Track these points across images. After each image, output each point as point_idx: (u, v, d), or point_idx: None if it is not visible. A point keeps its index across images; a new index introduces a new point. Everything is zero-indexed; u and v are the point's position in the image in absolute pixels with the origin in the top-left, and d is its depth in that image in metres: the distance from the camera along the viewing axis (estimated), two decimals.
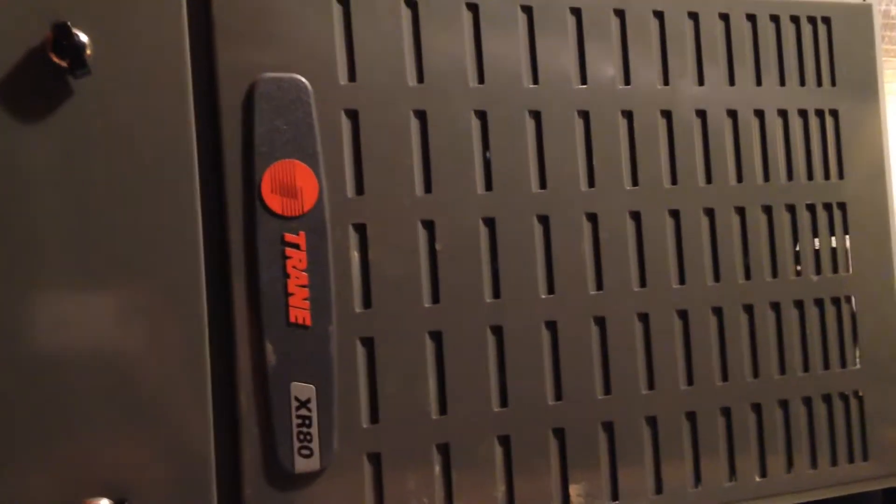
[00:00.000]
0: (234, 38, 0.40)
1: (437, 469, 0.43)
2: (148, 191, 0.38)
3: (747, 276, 0.50)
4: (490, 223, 0.45)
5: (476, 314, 0.44)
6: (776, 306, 0.51)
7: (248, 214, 0.40)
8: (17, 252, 0.36)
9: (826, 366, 0.52)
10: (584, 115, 0.47)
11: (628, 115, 0.48)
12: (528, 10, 0.46)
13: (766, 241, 0.51)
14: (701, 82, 0.50)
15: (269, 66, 0.41)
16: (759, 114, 0.51)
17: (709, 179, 0.49)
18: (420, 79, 0.44)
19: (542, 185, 0.46)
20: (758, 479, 0.50)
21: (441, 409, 0.43)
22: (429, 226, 0.44)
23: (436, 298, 0.43)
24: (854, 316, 0.53)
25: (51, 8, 0.37)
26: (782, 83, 0.52)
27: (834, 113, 0.54)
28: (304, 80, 0.41)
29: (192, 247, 0.39)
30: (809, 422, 0.51)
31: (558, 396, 0.46)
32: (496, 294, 0.45)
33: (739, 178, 0.50)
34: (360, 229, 0.42)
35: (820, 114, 0.53)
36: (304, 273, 0.41)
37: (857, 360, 0.53)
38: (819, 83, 0.53)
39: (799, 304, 0.51)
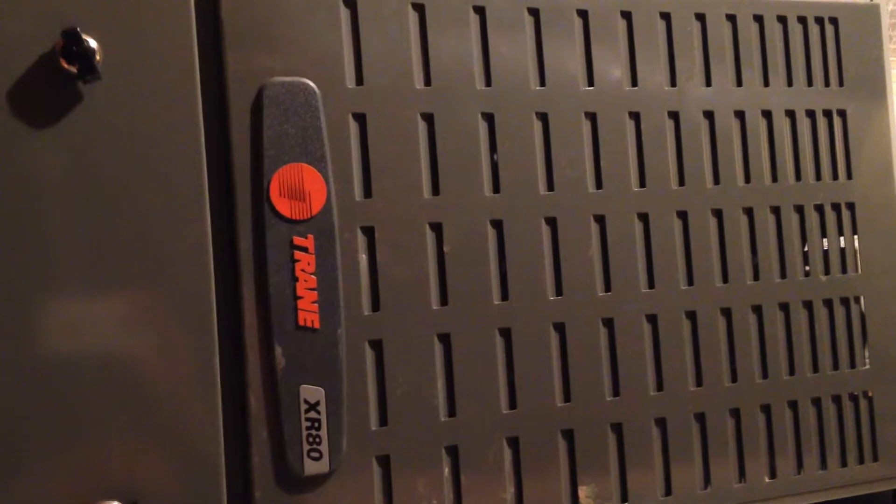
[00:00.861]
0: (243, 43, 0.40)
1: (446, 471, 0.43)
2: (157, 195, 0.38)
3: (756, 276, 0.50)
4: (498, 225, 0.45)
5: (484, 316, 0.44)
6: (785, 307, 0.51)
7: (256, 218, 0.40)
8: (28, 257, 0.37)
9: (835, 366, 0.52)
10: (592, 117, 0.47)
11: (636, 116, 0.48)
12: (534, 13, 0.46)
13: (775, 241, 0.51)
14: (708, 83, 0.50)
15: (278, 71, 0.41)
16: (767, 114, 0.51)
17: (717, 180, 0.49)
18: (427, 82, 0.44)
19: (550, 187, 0.46)
20: (767, 480, 0.50)
21: (450, 412, 0.43)
22: (437, 228, 0.44)
23: (444, 301, 0.44)
24: (863, 316, 0.53)
25: (61, 14, 0.37)
26: (790, 84, 0.52)
27: (842, 113, 0.53)
28: (312, 84, 0.41)
29: (201, 250, 0.39)
30: (819, 422, 0.51)
31: (567, 398, 0.46)
32: (504, 296, 0.45)
33: (747, 179, 0.50)
34: (369, 232, 0.42)
35: (828, 114, 0.53)
36: (312, 276, 0.41)
37: (867, 360, 0.53)
38: (827, 83, 0.53)
39: (808, 305, 0.51)
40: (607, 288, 0.47)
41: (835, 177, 0.53)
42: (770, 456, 0.50)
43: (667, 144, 0.48)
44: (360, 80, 0.43)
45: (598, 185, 0.47)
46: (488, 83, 0.45)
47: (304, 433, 0.40)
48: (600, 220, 0.47)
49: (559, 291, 0.46)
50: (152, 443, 0.38)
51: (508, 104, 0.45)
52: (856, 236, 0.53)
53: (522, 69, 0.46)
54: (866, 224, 0.53)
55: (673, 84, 0.49)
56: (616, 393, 0.47)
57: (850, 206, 0.53)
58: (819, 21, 0.53)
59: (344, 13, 0.42)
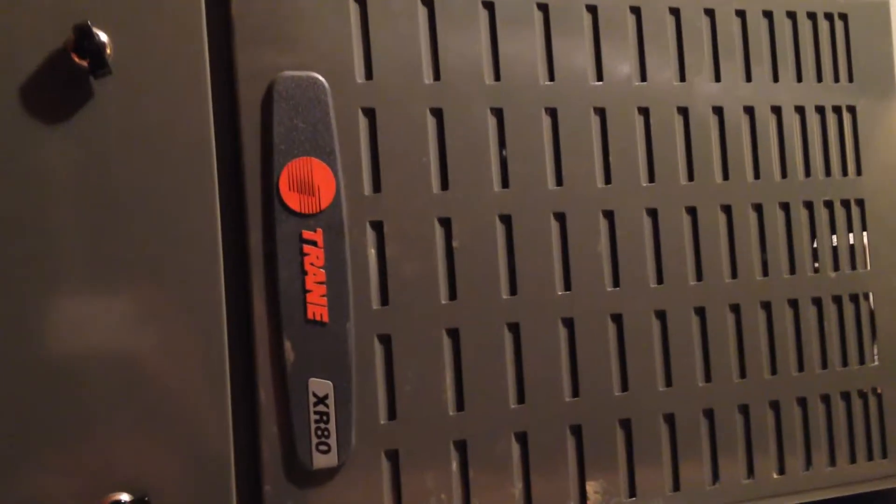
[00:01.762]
0: (253, 38, 0.41)
1: (455, 466, 0.43)
2: (168, 189, 0.39)
3: (765, 272, 0.50)
4: (506, 220, 0.45)
5: (493, 311, 0.44)
6: (794, 303, 0.51)
7: (266, 212, 0.40)
8: (39, 252, 0.37)
9: (844, 363, 0.52)
10: (601, 113, 0.47)
11: (644, 111, 0.48)
12: (543, 8, 0.46)
13: (784, 237, 0.51)
14: (717, 79, 0.50)
15: (288, 65, 0.41)
16: (776, 110, 0.51)
17: (726, 176, 0.49)
18: (436, 77, 0.44)
19: (559, 182, 0.46)
20: (776, 476, 0.50)
21: (458, 406, 0.44)
22: (445, 223, 0.44)
23: (453, 295, 0.44)
24: (872, 313, 0.53)
25: (72, 10, 0.37)
26: (799, 80, 0.52)
27: (851, 109, 0.53)
28: (321, 78, 0.41)
29: (211, 244, 0.39)
30: (828, 419, 0.51)
31: (575, 393, 0.46)
32: (513, 291, 0.45)
33: (757, 175, 0.50)
34: (378, 226, 0.42)
35: (837, 110, 0.53)
36: (321, 270, 0.41)
37: (876, 356, 0.53)
38: (836, 79, 0.53)
39: (817, 301, 0.51)
40: (616, 283, 0.47)
41: (844, 173, 0.53)
42: (779, 452, 0.50)
43: (676, 140, 0.48)
44: (369, 75, 0.43)
45: (607, 180, 0.47)
46: (497, 78, 0.45)
47: (313, 427, 0.40)
48: (609, 215, 0.47)
49: (568, 286, 0.46)
50: (162, 437, 0.38)
51: (517, 99, 0.45)
52: (865, 233, 0.53)
53: (531, 64, 0.46)
54: (875, 220, 0.53)
55: (682, 80, 0.49)
56: (624, 388, 0.47)
57: (860, 203, 0.53)
58: (829, 17, 0.53)
59: (353, 8, 0.42)
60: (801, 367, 0.50)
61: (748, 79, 0.51)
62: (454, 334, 0.44)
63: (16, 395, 0.36)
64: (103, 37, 0.37)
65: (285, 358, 0.40)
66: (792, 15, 0.52)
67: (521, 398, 0.45)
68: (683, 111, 0.49)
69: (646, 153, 0.48)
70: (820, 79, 0.53)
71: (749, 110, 0.50)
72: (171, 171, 0.39)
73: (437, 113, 0.44)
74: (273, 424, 0.40)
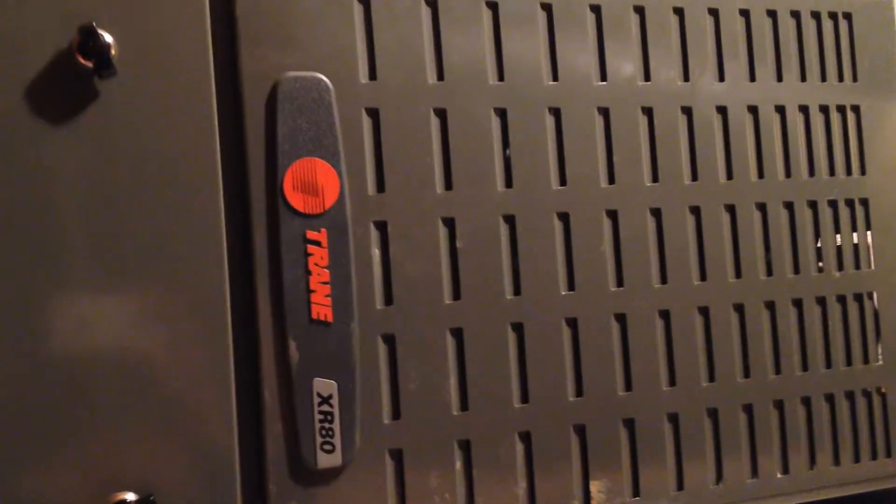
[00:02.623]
0: (257, 38, 0.41)
1: (459, 465, 0.43)
2: (172, 189, 0.39)
3: (769, 272, 0.50)
4: (510, 220, 0.45)
5: (497, 311, 0.44)
6: (798, 303, 0.51)
7: (270, 212, 0.40)
8: (44, 252, 0.37)
9: (848, 362, 0.52)
10: (604, 113, 0.47)
11: (648, 111, 0.48)
12: (547, 8, 0.46)
13: (788, 237, 0.51)
14: (721, 78, 0.50)
15: (292, 66, 0.41)
16: (781, 110, 0.51)
17: (730, 176, 0.49)
18: (440, 77, 0.44)
19: (563, 182, 0.46)
20: (780, 475, 0.50)
21: (462, 406, 0.44)
22: (449, 223, 0.44)
23: (456, 295, 0.44)
24: (876, 312, 0.53)
25: (77, 11, 0.37)
26: (803, 79, 0.52)
27: (855, 108, 0.53)
28: (325, 79, 0.41)
29: (215, 244, 0.39)
30: (832, 418, 0.51)
31: (579, 393, 0.46)
32: (517, 291, 0.45)
33: (760, 175, 0.50)
34: (381, 227, 0.43)
35: (841, 109, 0.53)
36: (325, 270, 0.41)
37: (880, 356, 0.53)
38: (840, 79, 0.53)
39: (821, 301, 0.51)
40: (620, 283, 0.47)
41: (848, 172, 0.53)
42: (783, 452, 0.50)
43: (679, 140, 0.48)
44: (373, 76, 0.43)
45: (611, 180, 0.47)
46: (501, 78, 0.45)
47: (318, 426, 0.40)
48: (613, 215, 0.47)
49: (571, 286, 0.46)
50: (168, 436, 0.38)
51: (521, 99, 0.45)
52: (869, 232, 0.53)
53: (535, 64, 0.46)
54: (880, 220, 0.53)
55: (686, 79, 0.49)
56: (628, 388, 0.47)
57: (864, 202, 0.53)
58: (833, 16, 0.53)
59: (357, 9, 0.43)
60: (805, 367, 0.50)
61: (752, 78, 0.50)
62: (458, 334, 0.44)
63: (22, 394, 0.36)
64: (108, 37, 0.37)
65: (290, 358, 0.40)
66: (796, 14, 0.52)
67: (524, 398, 0.45)
68: (687, 111, 0.49)
69: (649, 153, 0.48)
70: (824, 78, 0.53)
71: (753, 110, 0.50)
72: (176, 172, 0.39)
73: (441, 113, 0.44)
74: (278, 424, 0.40)
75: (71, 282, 0.37)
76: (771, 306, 0.50)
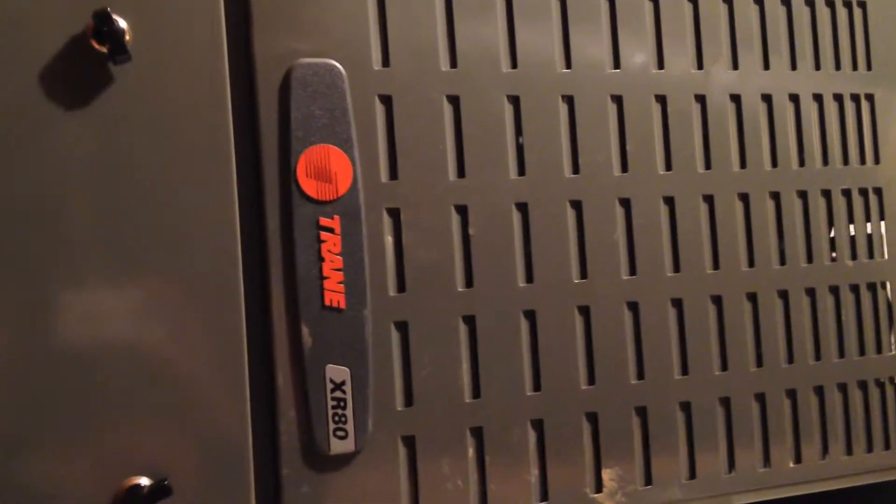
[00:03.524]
0: (270, 25, 0.41)
1: (471, 452, 0.43)
2: (186, 174, 0.39)
3: (782, 261, 0.50)
4: (523, 208, 0.45)
5: (509, 299, 0.44)
6: (811, 292, 0.50)
7: (283, 199, 0.41)
8: (57, 239, 0.37)
9: (861, 352, 0.51)
10: (618, 100, 0.47)
11: (662, 99, 0.48)
12: None
13: (801, 226, 0.50)
14: (735, 67, 0.49)
15: (305, 52, 0.41)
16: (794, 98, 0.51)
17: (743, 164, 0.49)
18: (453, 64, 0.44)
19: (575, 170, 0.46)
20: (791, 465, 0.49)
21: (474, 393, 0.44)
22: (462, 210, 0.44)
23: (469, 283, 0.44)
24: (889, 302, 0.53)
25: None
26: (817, 68, 0.52)
27: (869, 97, 0.53)
28: (338, 65, 0.41)
29: (229, 231, 0.39)
30: (844, 408, 0.51)
31: (591, 381, 0.46)
32: (529, 279, 0.45)
33: (774, 163, 0.50)
34: (394, 214, 0.43)
35: (855, 98, 0.53)
36: (338, 257, 0.41)
37: (893, 346, 0.52)
38: (854, 67, 0.53)
39: (834, 290, 0.51)
40: (632, 271, 0.47)
41: (862, 161, 0.52)
42: (795, 441, 0.50)
43: (693, 128, 0.48)
44: (386, 62, 0.43)
45: (624, 168, 0.47)
46: (514, 66, 0.45)
47: (330, 412, 0.41)
48: (625, 203, 0.47)
49: (584, 274, 0.46)
50: (182, 422, 0.38)
51: (534, 87, 0.45)
52: (882, 222, 0.53)
53: (548, 52, 0.46)
54: (893, 209, 0.53)
55: (700, 67, 0.49)
56: (641, 376, 0.47)
57: (878, 192, 0.53)
58: (847, 5, 0.53)
59: None
60: (817, 356, 0.50)
61: (766, 67, 0.50)
62: (470, 321, 0.44)
63: (39, 381, 0.36)
64: (123, 23, 0.37)
65: (303, 344, 0.40)
66: (810, 2, 0.52)
67: (537, 386, 0.45)
68: (701, 99, 0.48)
69: (663, 141, 0.48)
70: (838, 67, 0.52)
71: (767, 98, 0.50)
72: (190, 157, 0.39)
73: (454, 100, 0.44)
74: (291, 410, 0.40)
75: (84, 268, 0.37)
76: (784, 295, 0.50)
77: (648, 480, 0.46)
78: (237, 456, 0.39)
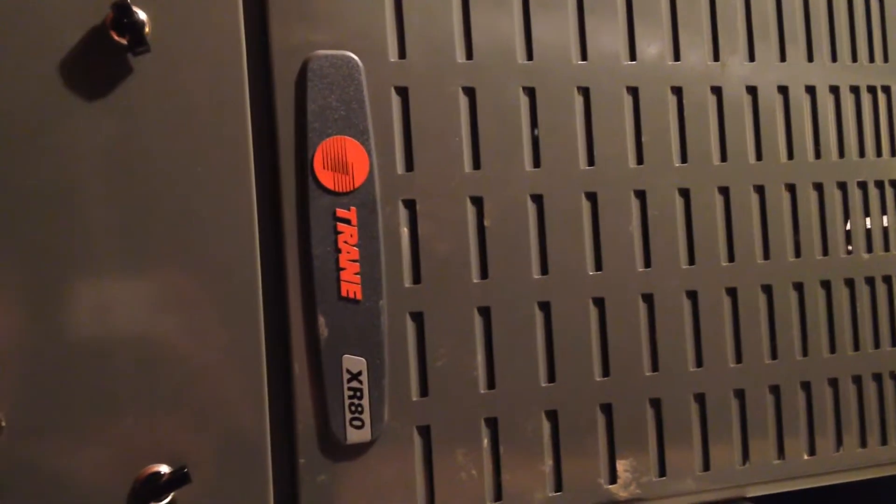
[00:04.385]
0: (287, 17, 0.41)
1: (486, 442, 0.44)
2: (204, 167, 0.39)
3: (797, 254, 0.50)
4: (538, 200, 0.45)
5: (524, 290, 0.44)
6: (826, 284, 0.50)
7: (300, 190, 0.41)
8: (76, 229, 0.37)
9: (876, 344, 0.51)
10: (633, 92, 0.47)
11: (678, 91, 0.48)
12: None
13: (817, 218, 0.50)
14: (751, 58, 0.49)
15: (321, 44, 0.41)
16: (811, 90, 0.51)
17: (759, 156, 0.49)
18: (469, 56, 0.44)
19: (591, 161, 0.46)
20: (806, 457, 0.50)
21: (489, 384, 0.44)
22: (477, 202, 0.44)
23: (484, 274, 0.44)
24: None
25: None
26: (834, 59, 0.52)
27: (886, 89, 0.53)
28: (355, 57, 0.42)
29: (246, 222, 0.40)
30: (859, 400, 0.51)
31: (606, 373, 0.46)
32: (544, 270, 0.45)
33: (790, 156, 0.50)
34: (410, 205, 0.43)
35: (872, 90, 0.52)
36: (354, 248, 0.41)
37: None
38: (871, 59, 0.53)
39: (849, 283, 0.51)
40: (647, 264, 0.47)
41: (878, 154, 0.52)
42: (810, 433, 0.50)
43: (709, 120, 0.48)
44: (402, 54, 0.43)
45: (640, 160, 0.47)
46: (530, 57, 0.45)
47: (347, 402, 0.41)
48: (641, 195, 0.47)
49: (599, 266, 0.46)
50: (201, 411, 0.39)
51: (550, 79, 0.45)
52: None
53: (564, 44, 0.46)
54: None
55: (716, 59, 0.48)
56: (655, 368, 0.47)
57: (894, 184, 0.53)
58: None
59: None
60: (832, 349, 0.50)
61: (783, 58, 0.50)
62: (486, 313, 0.44)
63: (60, 370, 0.37)
64: (142, 15, 0.37)
65: (319, 335, 0.41)
66: None
67: (551, 377, 0.45)
68: (717, 91, 0.48)
69: (678, 133, 0.48)
70: (855, 59, 0.52)
71: (783, 90, 0.50)
72: (208, 149, 0.39)
73: (470, 92, 0.44)
74: (308, 400, 0.41)
75: (106, 259, 0.38)
76: (799, 288, 0.50)
77: (662, 472, 0.47)
78: (255, 445, 0.39)
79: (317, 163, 0.41)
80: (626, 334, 0.46)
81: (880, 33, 0.53)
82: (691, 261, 0.47)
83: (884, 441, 0.51)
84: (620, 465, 0.46)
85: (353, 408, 0.41)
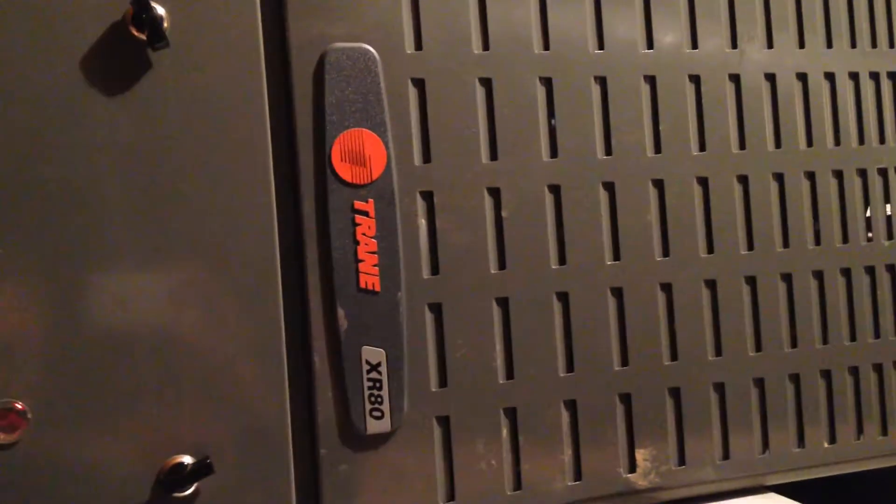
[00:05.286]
0: (304, 10, 0.41)
1: (505, 432, 0.44)
2: (223, 160, 0.39)
3: (817, 241, 0.50)
4: (556, 190, 0.45)
5: (542, 280, 0.44)
6: (846, 272, 0.50)
7: (319, 182, 0.41)
8: (97, 223, 0.38)
9: None
10: (651, 81, 0.47)
11: (695, 79, 0.47)
12: None
13: (837, 206, 0.50)
14: (770, 45, 0.49)
15: (338, 37, 0.41)
16: (830, 77, 0.50)
17: (778, 144, 0.49)
18: (485, 47, 0.44)
19: (608, 151, 0.46)
20: (826, 445, 0.49)
21: (508, 374, 0.44)
22: (495, 193, 0.44)
23: (502, 265, 0.44)
24: None
25: None
26: (853, 45, 0.51)
27: None
28: (372, 49, 0.42)
29: (265, 215, 0.40)
30: (880, 388, 0.51)
31: (624, 362, 0.46)
32: (562, 261, 0.45)
33: (809, 143, 0.50)
34: (428, 197, 0.43)
35: (892, 76, 0.52)
36: (373, 240, 0.41)
37: None
38: (891, 45, 0.52)
39: (870, 270, 0.51)
40: (665, 253, 0.47)
41: None
42: (830, 421, 0.50)
43: (727, 108, 0.48)
44: (419, 46, 0.43)
45: (657, 149, 0.47)
46: (546, 47, 0.45)
47: (366, 393, 0.41)
48: (659, 184, 0.47)
49: (617, 256, 0.46)
50: (223, 403, 0.39)
51: (566, 68, 0.45)
52: None
53: (581, 33, 0.45)
54: None
55: (734, 46, 0.48)
56: (674, 357, 0.47)
57: None
58: None
59: None
60: (853, 337, 0.50)
61: (801, 45, 0.50)
62: (504, 303, 0.44)
63: (86, 363, 0.37)
64: (161, 10, 0.38)
65: (339, 326, 0.41)
66: None
67: (570, 367, 0.45)
68: (735, 78, 0.48)
69: (696, 121, 0.47)
70: (874, 44, 0.52)
71: (802, 77, 0.50)
72: (226, 142, 0.39)
73: (487, 83, 0.44)
74: (328, 390, 0.41)
75: (126, 253, 0.38)
76: (819, 276, 0.49)
77: (682, 461, 0.47)
78: (276, 436, 0.40)
79: (335, 155, 0.41)
80: (644, 324, 0.46)
81: None
82: (710, 250, 0.47)
83: None
84: (640, 455, 0.46)
85: (372, 398, 0.41)
